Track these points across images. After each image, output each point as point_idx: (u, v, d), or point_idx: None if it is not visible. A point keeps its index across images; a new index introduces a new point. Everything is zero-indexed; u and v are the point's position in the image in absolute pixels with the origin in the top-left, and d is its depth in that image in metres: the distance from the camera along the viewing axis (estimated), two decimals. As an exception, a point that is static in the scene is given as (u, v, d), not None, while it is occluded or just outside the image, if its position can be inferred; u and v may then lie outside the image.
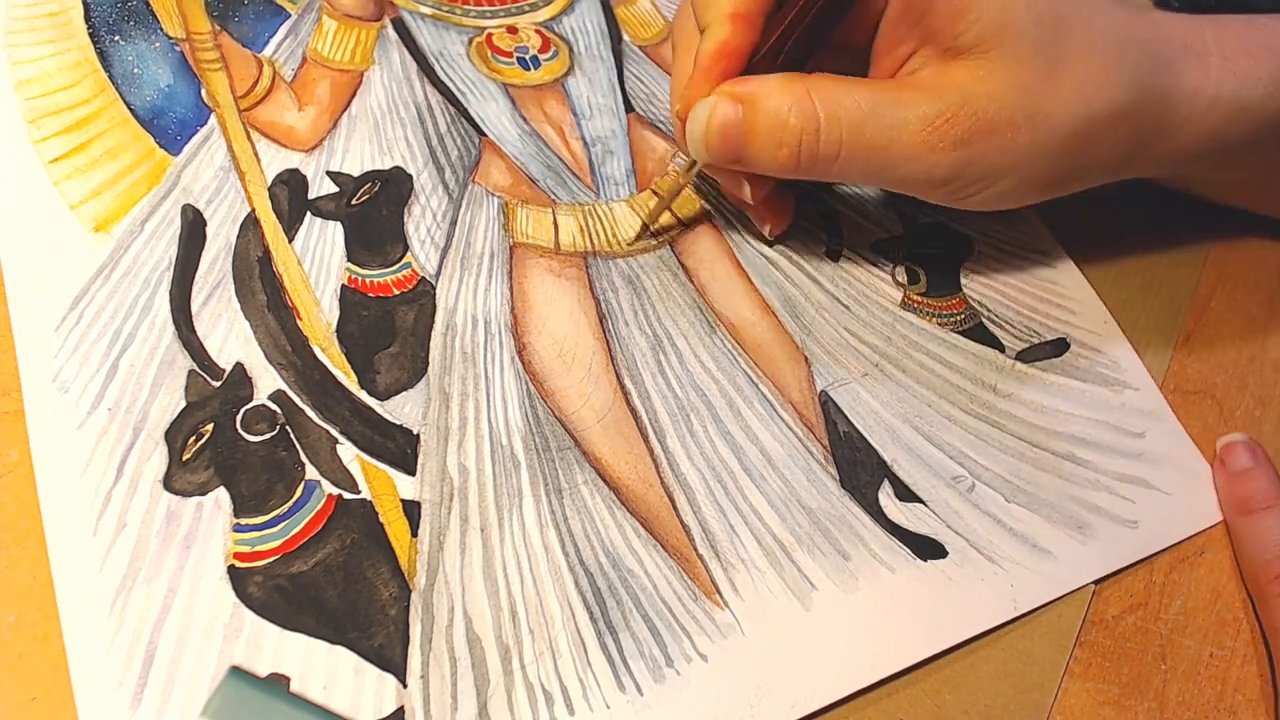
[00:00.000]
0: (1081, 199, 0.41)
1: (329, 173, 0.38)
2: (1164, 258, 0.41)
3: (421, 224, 0.37)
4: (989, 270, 0.40)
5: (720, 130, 0.33)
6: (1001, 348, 0.38)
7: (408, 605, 0.29)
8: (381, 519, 0.31)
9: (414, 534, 0.30)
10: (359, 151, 0.39)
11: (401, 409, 0.33)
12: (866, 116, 0.32)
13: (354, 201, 0.37)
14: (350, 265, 0.35)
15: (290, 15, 0.42)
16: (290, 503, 0.30)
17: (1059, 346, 0.38)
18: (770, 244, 0.39)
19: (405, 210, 0.37)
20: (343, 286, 0.35)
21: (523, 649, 0.29)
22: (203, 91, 0.38)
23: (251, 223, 0.36)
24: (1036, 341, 0.38)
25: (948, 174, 0.33)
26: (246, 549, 0.29)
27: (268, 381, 0.33)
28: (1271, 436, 0.37)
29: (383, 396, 0.33)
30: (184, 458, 0.31)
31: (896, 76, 0.34)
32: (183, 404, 0.31)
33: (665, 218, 0.39)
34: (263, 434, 0.32)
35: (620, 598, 0.30)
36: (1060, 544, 0.33)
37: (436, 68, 0.42)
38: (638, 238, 0.38)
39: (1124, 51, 0.33)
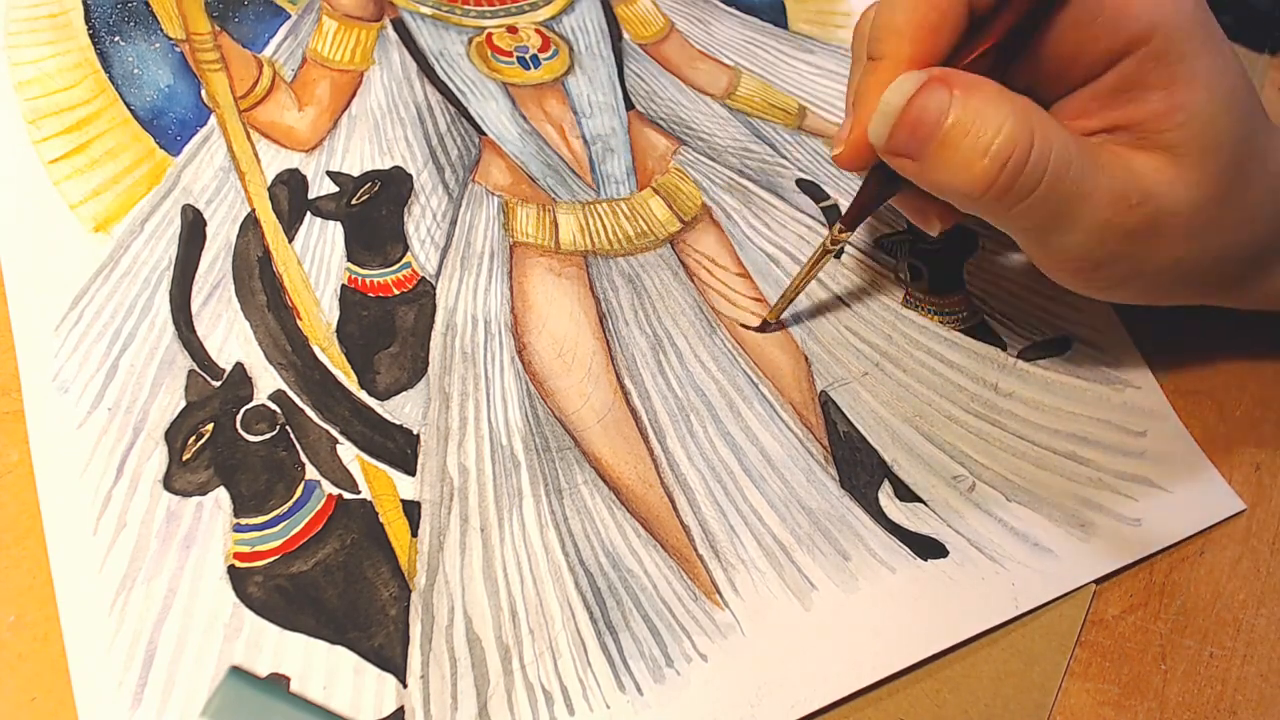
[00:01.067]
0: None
1: (329, 173, 0.38)
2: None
3: (421, 224, 0.37)
4: (992, 267, 0.40)
5: (918, 115, 0.28)
6: (1003, 345, 0.38)
7: (408, 605, 0.29)
8: (381, 519, 0.31)
9: (414, 534, 0.30)
10: (359, 151, 0.39)
11: (401, 409, 0.33)
12: (1072, 161, 0.28)
13: (354, 201, 0.37)
14: (350, 265, 0.35)
15: (290, 16, 0.42)
16: (290, 503, 0.30)
17: (1061, 344, 0.38)
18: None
19: (405, 210, 0.37)
20: (343, 286, 0.35)
21: (523, 649, 0.29)
22: (203, 92, 0.38)
23: (251, 223, 0.36)
24: (1039, 339, 0.38)
25: (1104, 258, 0.30)
26: (246, 549, 0.29)
27: (268, 381, 0.33)
28: (1271, 436, 0.37)
29: (383, 396, 0.33)
30: (184, 458, 0.31)
31: None
32: (183, 404, 0.31)
33: (666, 216, 0.39)
34: (263, 434, 0.32)
35: (620, 598, 0.30)
36: (1062, 542, 0.33)
37: (436, 67, 0.42)
38: (763, 327, 0.37)
39: None
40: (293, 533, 0.30)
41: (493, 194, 0.38)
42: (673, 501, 0.32)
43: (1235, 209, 0.31)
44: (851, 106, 0.33)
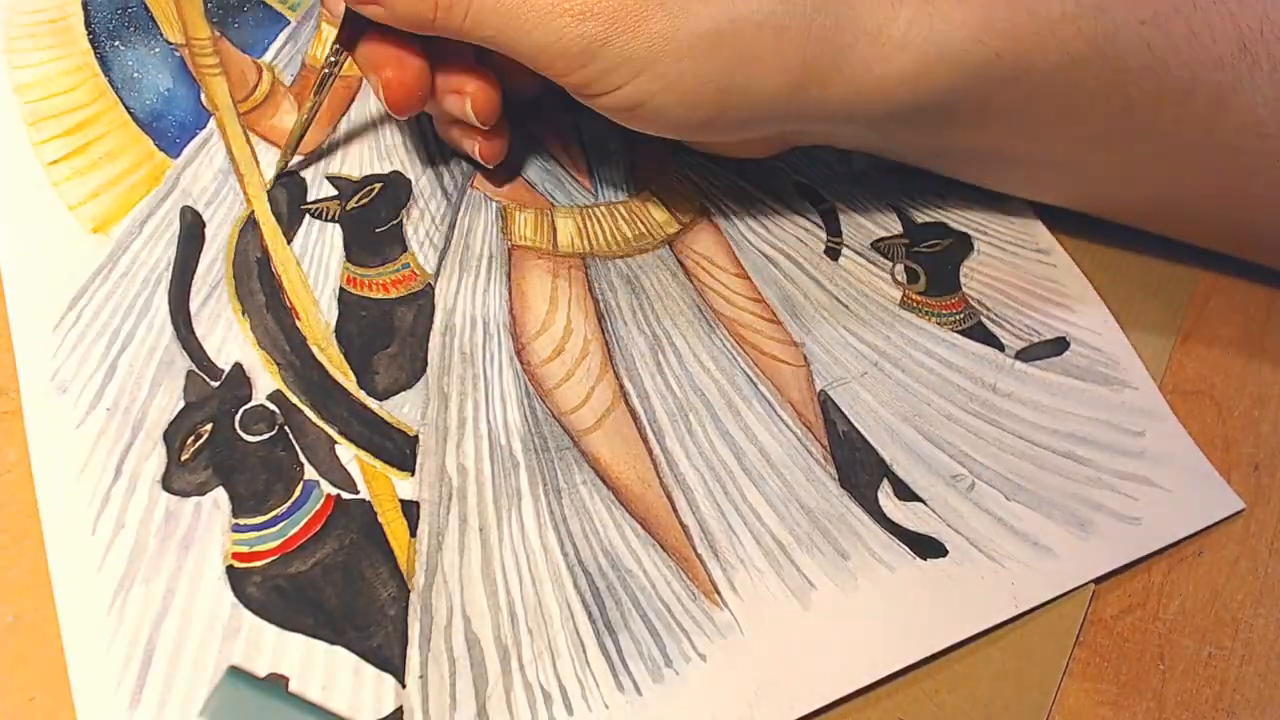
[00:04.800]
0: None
1: (329, 177, 0.38)
2: (1163, 257, 0.41)
3: (420, 226, 0.37)
4: (989, 269, 0.40)
5: None
6: (1001, 346, 0.38)
7: (406, 605, 0.29)
8: (380, 519, 0.31)
9: (413, 534, 0.30)
10: (358, 156, 0.39)
11: (400, 409, 0.33)
12: None
13: (352, 205, 0.37)
14: (349, 265, 0.36)
15: (290, 22, 0.42)
16: (289, 503, 0.30)
17: (1059, 345, 0.38)
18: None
19: (404, 213, 0.37)
20: (341, 287, 0.35)
21: (521, 649, 0.29)
22: (202, 96, 0.39)
23: (250, 224, 0.36)
24: (1036, 340, 0.38)
25: (580, 48, 0.29)
26: (245, 549, 0.29)
27: (266, 382, 0.33)
28: (1270, 436, 0.37)
29: (381, 397, 0.33)
30: (183, 458, 0.31)
31: None
32: (181, 404, 0.32)
33: (664, 218, 0.39)
34: (261, 434, 0.32)
35: (619, 598, 0.30)
36: (1061, 541, 0.33)
37: (435, 71, 0.42)
38: (280, 169, 0.37)
39: None
40: (291, 533, 0.30)
41: (491, 199, 0.39)
42: (672, 501, 0.32)
43: None
44: None
